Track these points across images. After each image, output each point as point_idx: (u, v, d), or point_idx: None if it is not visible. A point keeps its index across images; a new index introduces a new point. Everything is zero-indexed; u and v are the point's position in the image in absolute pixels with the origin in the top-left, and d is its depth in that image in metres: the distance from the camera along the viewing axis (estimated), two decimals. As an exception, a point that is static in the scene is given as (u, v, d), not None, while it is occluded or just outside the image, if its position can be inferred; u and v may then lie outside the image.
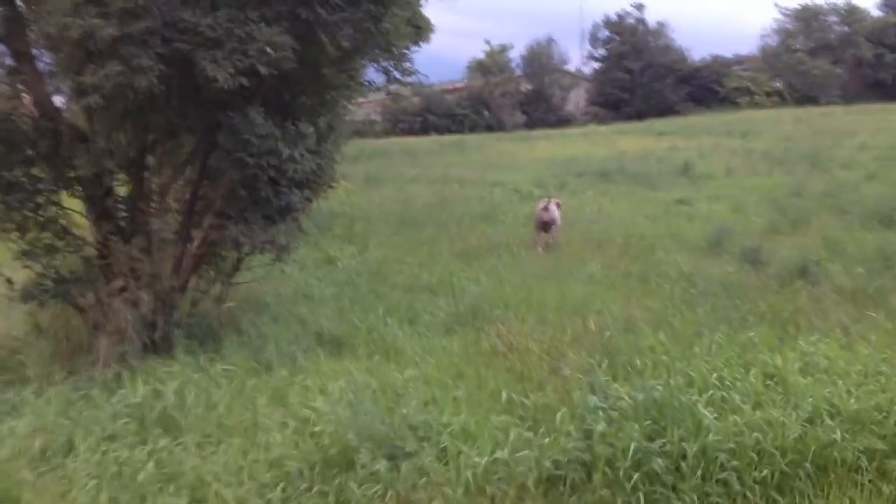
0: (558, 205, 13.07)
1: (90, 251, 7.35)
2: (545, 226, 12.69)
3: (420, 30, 8.69)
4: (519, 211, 16.03)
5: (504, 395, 5.53)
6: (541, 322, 7.59)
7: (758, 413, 4.72)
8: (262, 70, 6.12)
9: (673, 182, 21.87)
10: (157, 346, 6.91)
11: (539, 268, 10.32)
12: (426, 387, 5.80)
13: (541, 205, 12.93)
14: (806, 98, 60.52)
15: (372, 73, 8.96)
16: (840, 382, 5.10)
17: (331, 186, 8.67)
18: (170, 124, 7.24)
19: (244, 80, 6.13)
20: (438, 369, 6.35)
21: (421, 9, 9.83)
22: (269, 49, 6.06)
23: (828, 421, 4.68)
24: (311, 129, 7.04)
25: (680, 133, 40.24)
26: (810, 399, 4.85)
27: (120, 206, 7.43)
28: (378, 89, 8.81)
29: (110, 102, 6.34)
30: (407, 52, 7.99)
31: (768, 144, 31.56)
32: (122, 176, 7.51)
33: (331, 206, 16.12)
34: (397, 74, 8.14)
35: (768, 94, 62.02)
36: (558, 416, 4.99)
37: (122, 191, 7.58)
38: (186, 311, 7.40)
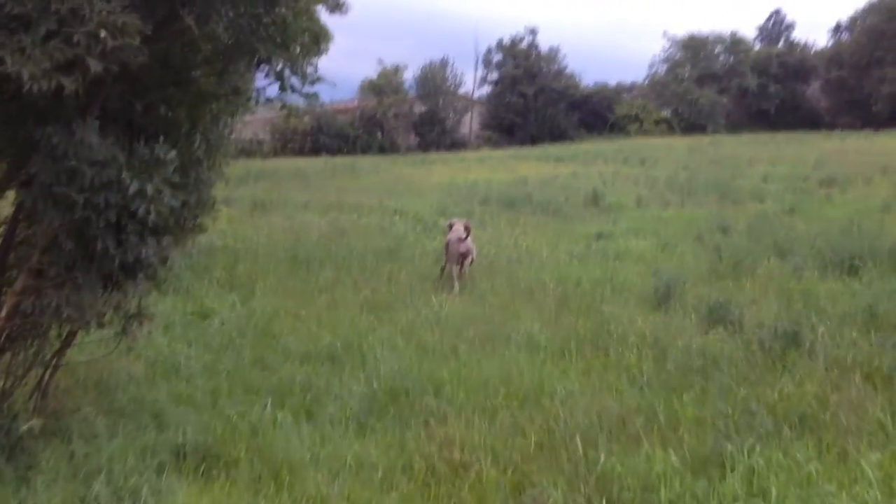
0: (467, 228, 11.36)
1: None
2: (461, 258, 11.06)
3: (317, 37, 6.80)
4: (427, 245, 14.21)
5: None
6: (488, 417, 5.75)
7: None
8: (93, 66, 4.04)
9: (584, 213, 20.61)
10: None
11: (465, 323, 8.49)
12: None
13: (454, 234, 11.24)
14: (693, 126, 61.79)
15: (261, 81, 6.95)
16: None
17: (202, 230, 6.61)
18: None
19: (66, 81, 4.05)
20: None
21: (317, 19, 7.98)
22: (104, 34, 4.01)
23: None
24: (173, 153, 4.94)
25: (576, 159, 39.67)
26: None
27: None
28: (270, 100, 6.74)
29: None
30: (308, 52, 5.98)
31: (669, 173, 31.02)
32: None
33: (210, 240, 13.89)
34: (296, 82, 6.09)
35: (657, 122, 63.08)
36: None
37: None
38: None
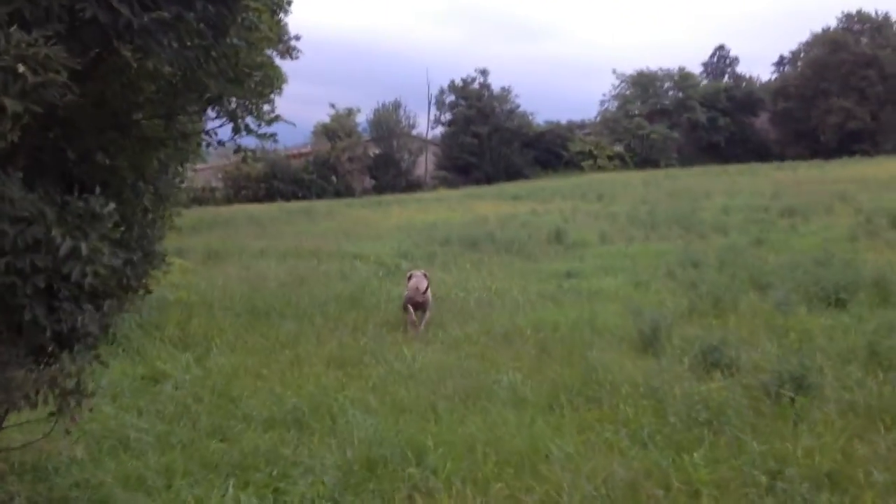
0: (426, 278, 11.11)
1: None
2: (418, 306, 10.83)
3: (271, 80, 6.26)
4: (392, 290, 13.58)
5: None
6: (480, 489, 5.11)
7: None
8: (11, 106, 3.40)
9: (548, 250, 20.22)
10: None
11: (442, 375, 7.86)
12: None
13: (412, 284, 10.93)
14: (646, 161, 62.51)
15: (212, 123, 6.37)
16: None
17: (147, 291, 5.96)
18: None
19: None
20: None
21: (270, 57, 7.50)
22: (23, 69, 3.40)
23: None
24: (112, 206, 4.30)
25: (533, 197, 39.55)
26: None
27: None
28: (222, 143, 6.11)
29: None
30: (264, 89, 5.38)
31: (628, 208, 30.93)
32: None
33: (161, 294, 13.12)
34: (251, 123, 5.49)
35: (610, 158, 63.67)
36: None
37: None
38: None
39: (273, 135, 5.48)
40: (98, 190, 4.35)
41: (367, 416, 6.69)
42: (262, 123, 5.50)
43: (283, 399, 7.22)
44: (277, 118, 5.58)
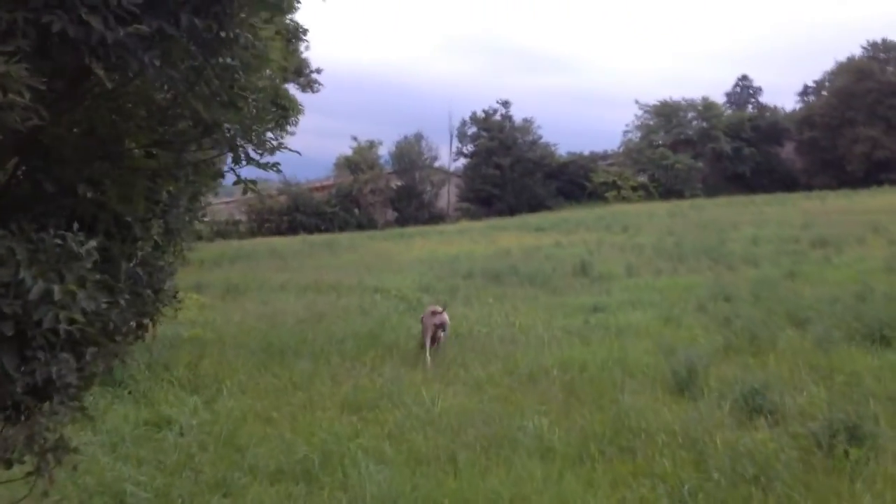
0: (444, 306, 11.54)
1: None
2: (435, 329, 10.86)
3: (286, 111, 5.91)
4: (412, 326, 13.10)
5: None
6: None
7: None
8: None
9: (573, 284, 19.67)
10: None
11: (463, 421, 7.35)
12: None
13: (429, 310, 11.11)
14: (670, 191, 61.82)
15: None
16: None
17: (139, 337, 5.55)
18: None
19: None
20: None
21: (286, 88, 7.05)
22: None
23: None
24: (92, 244, 3.87)
25: (557, 228, 39.03)
26: None
27: None
28: (222, 176, 5.66)
29: None
30: (265, 116, 4.94)
31: (654, 239, 30.36)
32: None
33: (176, 331, 12.77)
34: (253, 153, 5.05)
35: (634, 189, 63.07)
36: None
37: None
38: None
39: (276, 164, 5.03)
40: (77, 226, 3.93)
41: (382, 466, 6.19)
42: (265, 153, 5.07)
43: (292, 447, 6.75)
44: (280, 146, 5.15)
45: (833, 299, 13.17)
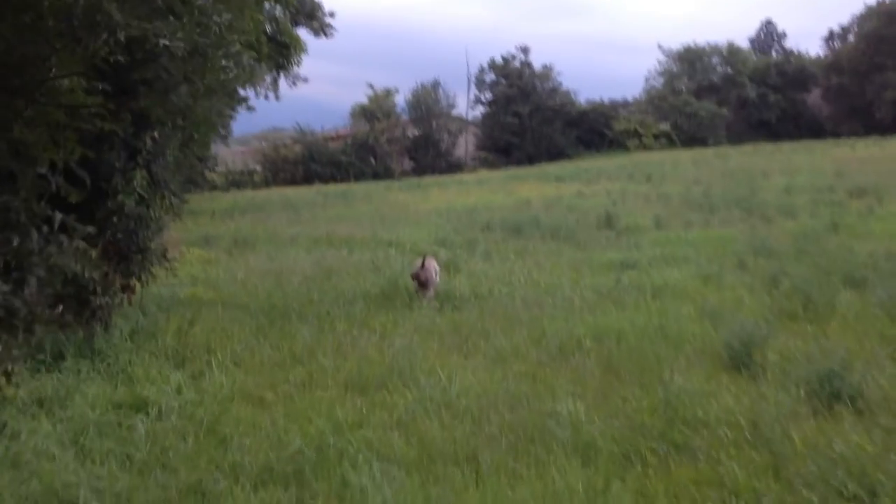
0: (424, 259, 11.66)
1: None
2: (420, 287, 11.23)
3: (287, 48, 4.82)
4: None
5: None
6: None
7: None
8: None
9: (598, 237, 18.54)
10: None
11: (485, 405, 6.29)
12: None
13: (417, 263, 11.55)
14: (693, 139, 60.35)
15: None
16: None
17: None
18: None
19: None
20: None
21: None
22: None
23: None
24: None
25: (578, 178, 37.75)
26: None
27: None
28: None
29: None
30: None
31: (680, 188, 29.11)
32: None
33: (172, 291, 11.79)
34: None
35: (656, 137, 61.61)
36: None
37: None
38: None
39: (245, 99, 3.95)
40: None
41: (389, 466, 5.15)
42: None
43: (284, 439, 5.73)
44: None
45: (888, 255, 11.99)
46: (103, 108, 3.85)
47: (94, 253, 8.61)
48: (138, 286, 9.93)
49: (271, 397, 6.79)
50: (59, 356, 7.64)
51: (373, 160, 54.02)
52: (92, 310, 8.58)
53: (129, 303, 9.57)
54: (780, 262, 12.82)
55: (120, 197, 8.55)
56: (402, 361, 7.53)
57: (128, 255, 9.14)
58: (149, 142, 8.92)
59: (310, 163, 52.44)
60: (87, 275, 8.42)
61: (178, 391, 6.89)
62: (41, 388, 6.63)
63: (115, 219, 8.75)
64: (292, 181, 49.89)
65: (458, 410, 6.25)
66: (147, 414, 6.33)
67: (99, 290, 8.56)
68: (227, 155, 53.21)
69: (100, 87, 3.99)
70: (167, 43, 3.46)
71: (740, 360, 7.06)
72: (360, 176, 50.71)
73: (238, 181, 50.43)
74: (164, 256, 9.79)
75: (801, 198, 23.19)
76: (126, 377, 7.18)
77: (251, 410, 6.48)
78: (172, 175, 9.64)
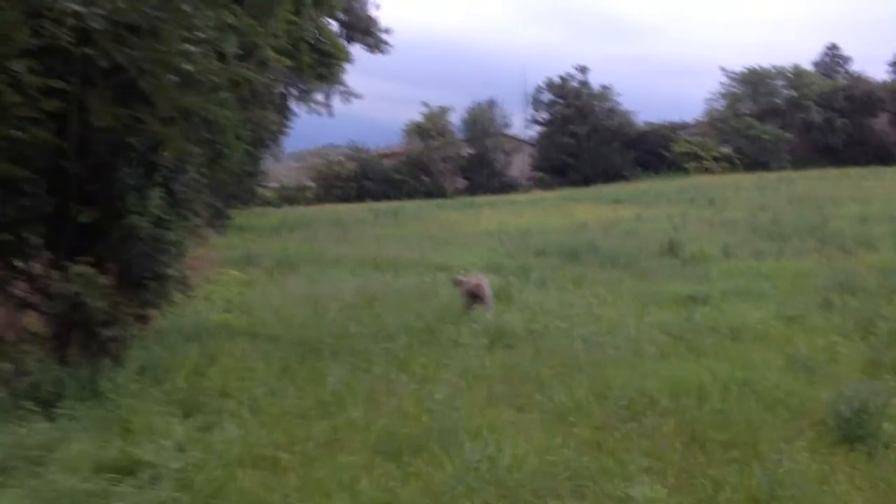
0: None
1: None
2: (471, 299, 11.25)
3: (329, 57, 3.91)
4: (476, 319, 10.97)
5: None
6: None
7: None
8: None
9: (661, 265, 17.28)
10: None
11: (540, 485, 5.15)
12: None
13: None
14: (756, 163, 58.38)
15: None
16: None
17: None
18: None
19: None
20: None
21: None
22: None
23: None
24: None
25: (635, 201, 36.41)
26: None
27: None
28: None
29: None
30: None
31: (745, 214, 27.61)
32: None
33: (200, 317, 10.90)
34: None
35: (716, 160, 59.80)
36: None
37: None
38: None
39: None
40: None
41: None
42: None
43: (294, 522, 4.66)
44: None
45: None
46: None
47: (103, 280, 7.68)
48: (158, 315, 9.03)
49: (287, 460, 5.73)
50: (58, 398, 6.74)
51: (426, 178, 53.34)
52: (100, 343, 7.69)
53: (145, 334, 8.66)
54: (869, 301, 11.45)
55: (133, 217, 7.62)
56: (443, 418, 6.41)
57: (142, 282, 8.21)
58: (168, 156, 7.91)
59: (363, 180, 52.08)
60: (93, 304, 7.53)
61: (181, 448, 5.88)
62: (21, 441, 5.67)
63: (127, 242, 7.84)
64: (345, 198, 49.49)
65: (509, 489, 5.11)
66: (138, 478, 5.30)
67: (108, 320, 7.67)
68: (281, 171, 53.20)
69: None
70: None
71: (852, 433, 5.78)
72: (412, 194, 50.06)
73: (291, 197, 50.38)
74: (185, 283, 8.85)
75: (880, 228, 21.56)
76: (122, 429, 6.20)
77: (261, 478, 5.42)
78: (196, 194, 8.68)
